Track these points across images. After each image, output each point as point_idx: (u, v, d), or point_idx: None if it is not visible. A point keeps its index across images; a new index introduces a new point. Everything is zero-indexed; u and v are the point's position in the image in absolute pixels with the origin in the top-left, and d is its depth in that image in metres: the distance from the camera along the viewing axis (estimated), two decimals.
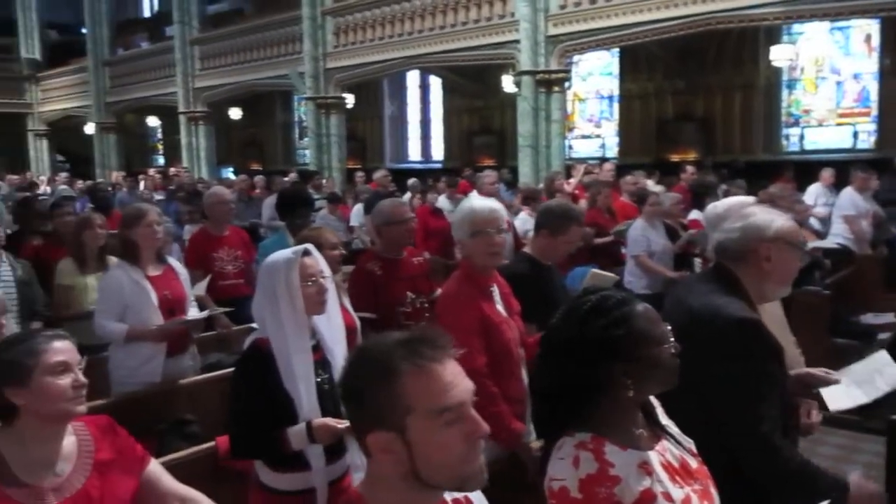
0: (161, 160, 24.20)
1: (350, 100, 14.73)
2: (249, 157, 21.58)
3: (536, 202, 6.94)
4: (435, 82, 18.46)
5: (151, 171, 16.41)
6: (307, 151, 19.95)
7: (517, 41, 11.29)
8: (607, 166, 9.15)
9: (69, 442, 1.85)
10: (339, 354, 2.54)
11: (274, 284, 2.39)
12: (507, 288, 2.98)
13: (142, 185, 13.60)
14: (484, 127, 17.41)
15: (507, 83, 12.52)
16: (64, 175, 15.92)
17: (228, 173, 18.07)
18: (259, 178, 11.80)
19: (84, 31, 21.16)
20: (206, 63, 17.04)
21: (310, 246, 2.53)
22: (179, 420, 3.67)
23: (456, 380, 1.22)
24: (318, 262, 2.50)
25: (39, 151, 23.42)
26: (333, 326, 2.57)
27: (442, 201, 8.27)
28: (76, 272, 4.60)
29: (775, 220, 2.15)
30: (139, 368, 3.71)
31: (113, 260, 4.78)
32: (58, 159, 23.89)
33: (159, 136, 25.05)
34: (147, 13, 26.31)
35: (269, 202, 9.38)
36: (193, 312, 3.97)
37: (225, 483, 2.77)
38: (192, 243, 5.08)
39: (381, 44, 13.36)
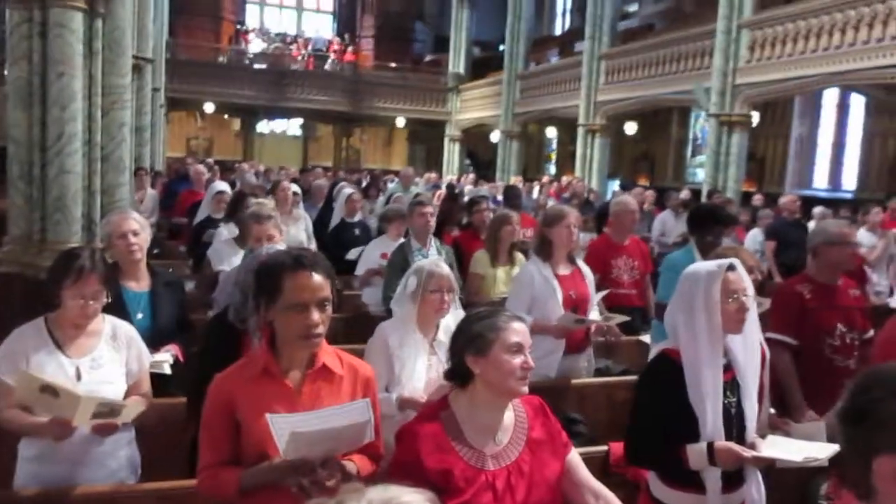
0: (553, 169, 25.58)
1: (755, 118, 13.90)
2: (639, 170, 21.70)
3: None
4: (857, 101, 16.51)
5: (545, 179, 17.40)
6: (698, 170, 19.44)
7: None
8: None
9: (508, 416, 2.04)
10: (750, 378, 2.43)
11: (693, 295, 2.35)
12: None
13: (536, 190, 14.42)
14: None
15: None
16: (471, 176, 17.67)
17: (615, 186, 18.37)
18: (650, 193, 11.78)
19: (502, 47, 23.26)
20: (610, 77, 17.50)
21: (736, 261, 2.44)
22: (568, 417, 3.82)
23: None
24: (743, 278, 2.40)
25: (451, 154, 26.36)
26: (749, 348, 2.45)
27: (861, 234, 7.36)
28: (488, 263, 5.07)
29: None
30: (538, 361, 3.92)
31: (520, 256, 5.19)
32: (466, 162, 26.65)
33: (554, 146, 26.49)
34: (559, 31, 28.01)
35: (662, 217, 9.34)
36: (594, 316, 4.09)
37: (612, 489, 2.81)
38: (593, 249, 5.26)
39: (801, 58, 12.32)
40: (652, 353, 2.59)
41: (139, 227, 3.45)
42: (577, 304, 3.95)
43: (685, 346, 2.34)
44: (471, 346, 1.99)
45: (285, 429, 1.84)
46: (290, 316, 1.97)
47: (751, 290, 2.41)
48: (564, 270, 4.02)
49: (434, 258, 3.45)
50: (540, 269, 3.97)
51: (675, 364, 2.34)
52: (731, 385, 2.39)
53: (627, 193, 7.61)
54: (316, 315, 1.97)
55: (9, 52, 4.88)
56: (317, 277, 1.99)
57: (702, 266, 2.39)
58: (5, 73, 5.21)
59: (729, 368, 2.39)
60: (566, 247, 3.99)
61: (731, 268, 2.38)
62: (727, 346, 2.38)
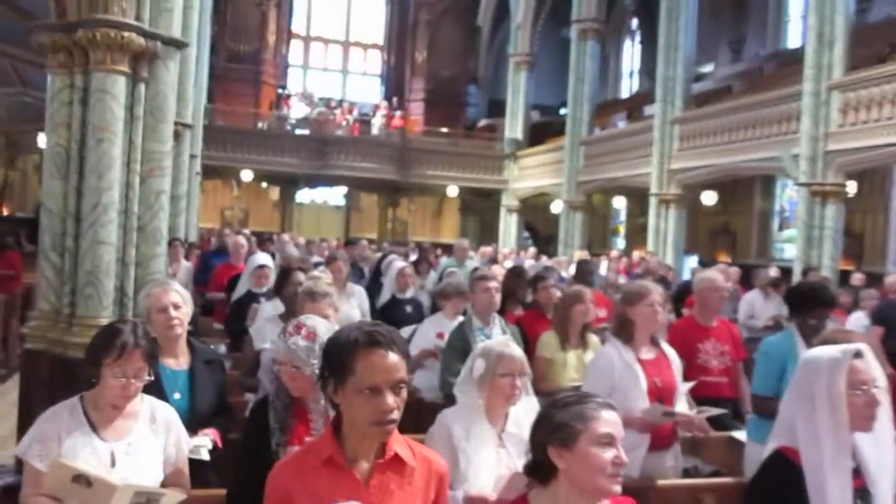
0: (621, 243, 25.41)
1: (851, 187, 13.64)
2: (718, 245, 21.40)
3: None
4: None
5: (613, 253, 17.24)
6: (786, 245, 19.07)
7: None
8: None
9: None
10: (884, 485, 2.27)
11: (812, 386, 2.24)
12: None
13: (603, 265, 14.22)
14: None
15: None
16: (531, 250, 17.62)
17: (693, 262, 18.10)
18: (734, 270, 11.55)
19: (564, 111, 23.52)
20: (684, 143, 17.47)
21: (864, 347, 2.31)
22: None
23: None
24: (872, 367, 2.27)
25: (508, 226, 26.44)
26: (882, 448, 2.30)
27: None
28: (557, 346, 4.97)
29: None
30: None
31: (593, 338, 5.08)
32: (524, 235, 26.66)
33: (622, 218, 26.40)
34: (625, 94, 28.31)
35: (749, 298, 9.15)
36: (682, 407, 3.94)
37: None
38: (675, 331, 5.10)
39: None
40: (752, 452, 2.46)
41: (181, 301, 3.48)
42: (661, 394, 3.80)
43: (805, 445, 2.21)
44: (554, 436, 1.91)
45: None
46: (361, 399, 1.91)
47: (882, 381, 2.27)
48: (648, 354, 3.88)
49: (502, 337, 3.37)
50: (620, 352, 3.83)
51: (795, 466, 2.21)
52: (861, 493, 2.25)
53: (711, 270, 7.46)
54: (391, 399, 1.92)
55: (48, 120, 5.07)
56: (392, 357, 1.93)
57: (823, 352, 2.28)
58: (39, 142, 5.39)
59: (858, 473, 2.25)
60: (650, 328, 3.86)
61: (857, 354, 2.26)
62: (855, 446, 2.25)
